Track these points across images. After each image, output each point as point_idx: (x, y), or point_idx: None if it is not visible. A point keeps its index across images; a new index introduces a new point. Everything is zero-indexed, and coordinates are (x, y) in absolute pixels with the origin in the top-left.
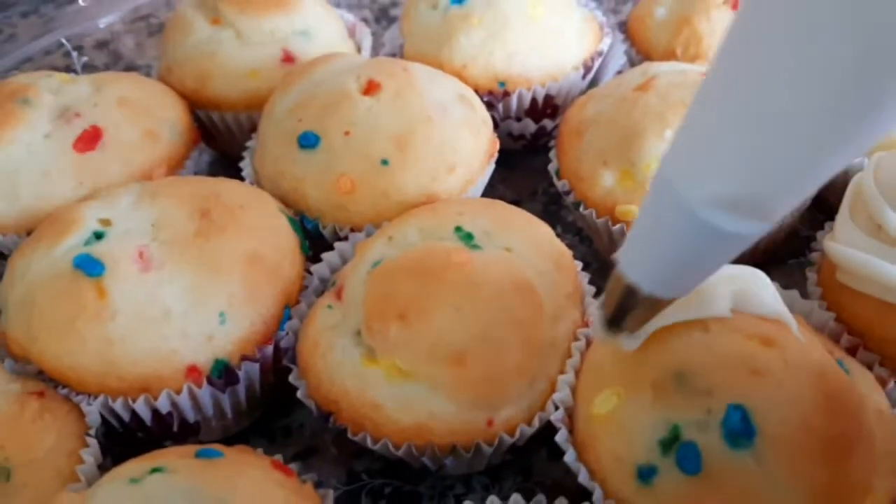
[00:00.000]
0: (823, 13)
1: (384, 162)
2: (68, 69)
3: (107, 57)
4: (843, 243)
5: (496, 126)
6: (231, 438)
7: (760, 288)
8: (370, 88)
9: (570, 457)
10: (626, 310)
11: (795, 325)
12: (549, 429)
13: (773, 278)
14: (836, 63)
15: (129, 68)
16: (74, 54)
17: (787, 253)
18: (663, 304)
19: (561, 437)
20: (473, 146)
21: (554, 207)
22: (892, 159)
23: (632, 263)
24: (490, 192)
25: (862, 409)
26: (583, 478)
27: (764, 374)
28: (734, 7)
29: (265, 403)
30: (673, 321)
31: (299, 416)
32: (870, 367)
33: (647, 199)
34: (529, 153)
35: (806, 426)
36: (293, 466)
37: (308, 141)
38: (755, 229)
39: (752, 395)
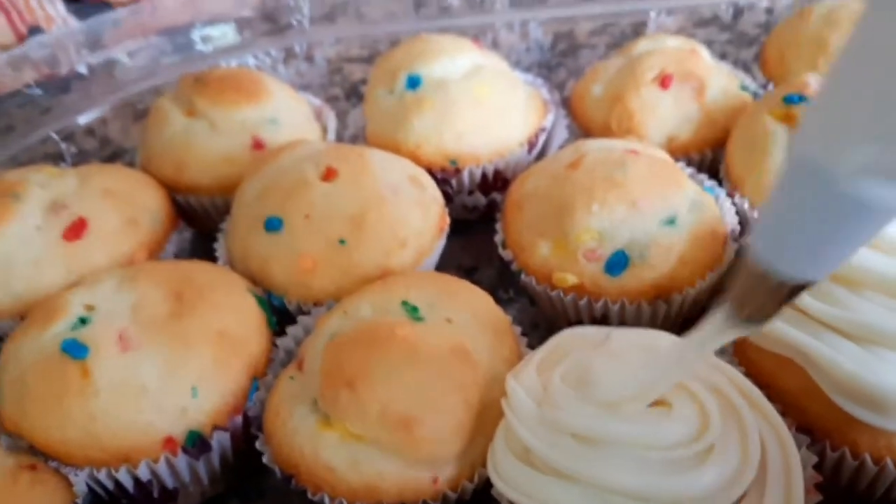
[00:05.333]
0: None
1: (342, 241)
2: (60, 156)
3: (96, 142)
4: None
5: (451, 200)
6: (209, 501)
7: None
8: (328, 175)
9: None
10: (756, 299)
11: None
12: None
13: None
14: None
15: (117, 152)
16: (63, 146)
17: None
18: (797, 288)
19: (495, 491)
20: (423, 222)
21: (508, 272)
22: None
23: (769, 250)
24: (449, 258)
25: None
26: None
27: None
28: (662, 86)
29: (239, 468)
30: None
31: (271, 479)
32: None
33: (782, 184)
34: (485, 222)
35: None
36: None
37: (272, 225)
38: None
39: None
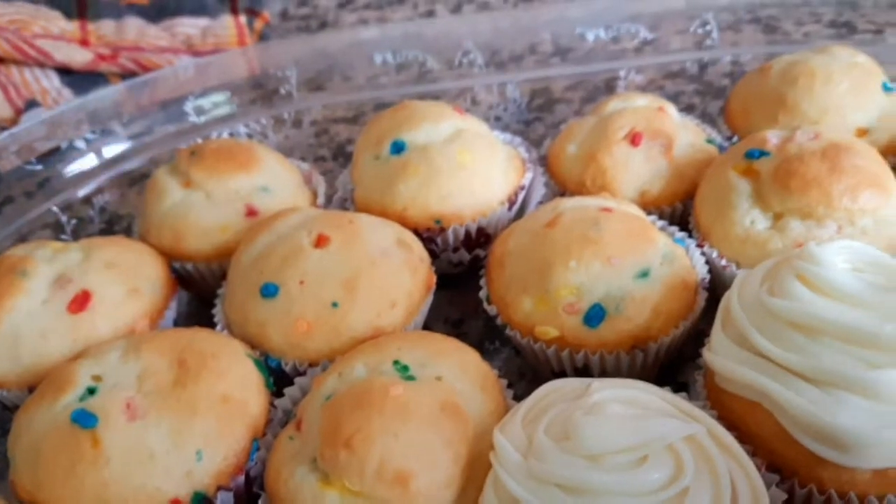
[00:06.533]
0: None
1: (335, 304)
2: (60, 225)
3: (93, 211)
4: (717, 353)
5: (437, 256)
6: None
7: None
8: (320, 241)
9: None
10: None
11: None
12: None
13: (678, 377)
14: None
15: (112, 218)
16: (63, 218)
17: (692, 352)
18: None
19: None
20: (412, 283)
21: (493, 324)
22: (750, 280)
23: None
24: (437, 312)
25: None
26: None
27: None
28: (633, 143)
29: None
30: None
31: None
32: None
33: None
34: (471, 277)
35: None
36: None
37: (269, 291)
38: None
39: None
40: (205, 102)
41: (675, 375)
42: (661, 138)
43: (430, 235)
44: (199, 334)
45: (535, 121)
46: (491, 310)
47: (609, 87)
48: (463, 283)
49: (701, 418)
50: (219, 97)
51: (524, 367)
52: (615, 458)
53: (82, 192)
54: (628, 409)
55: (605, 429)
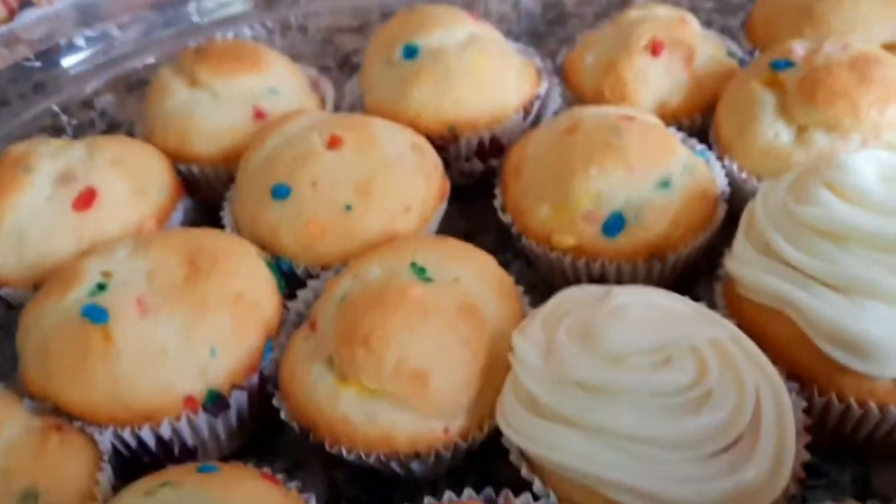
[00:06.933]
0: None
1: (348, 207)
2: (57, 129)
3: (92, 114)
4: (739, 261)
5: (448, 166)
6: (226, 458)
7: None
8: (333, 143)
9: (513, 456)
10: None
11: None
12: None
13: (693, 291)
14: None
15: (112, 123)
16: (65, 118)
17: (707, 266)
18: None
19: (505, 439)
20: (426, 189)
21: (504, 236)
22: (776, 188)
23: None
24: (447, 224)
25: None
26: (524, 472)
27: None
28: (654, 53)
29: (253, 426)
30: None
31: (284, 436)
32: None
33: None
34: (481, 189)
35: None
36: (280, 477)
37: (280, 192)
38: None
39: None
40: (210, 2)
41: (689, 289)
42: (681, 49)
43: (442, 143)
44: (208, 234)
45: (547, 35)
46: (506, 218)
47: (623, 3)
48: (473, 195)
49: (724, 323)
50: None
51: (536, 279)
52: (637, 359)
53: (80, 95)
54: (651, 312)
55: (628, 330)
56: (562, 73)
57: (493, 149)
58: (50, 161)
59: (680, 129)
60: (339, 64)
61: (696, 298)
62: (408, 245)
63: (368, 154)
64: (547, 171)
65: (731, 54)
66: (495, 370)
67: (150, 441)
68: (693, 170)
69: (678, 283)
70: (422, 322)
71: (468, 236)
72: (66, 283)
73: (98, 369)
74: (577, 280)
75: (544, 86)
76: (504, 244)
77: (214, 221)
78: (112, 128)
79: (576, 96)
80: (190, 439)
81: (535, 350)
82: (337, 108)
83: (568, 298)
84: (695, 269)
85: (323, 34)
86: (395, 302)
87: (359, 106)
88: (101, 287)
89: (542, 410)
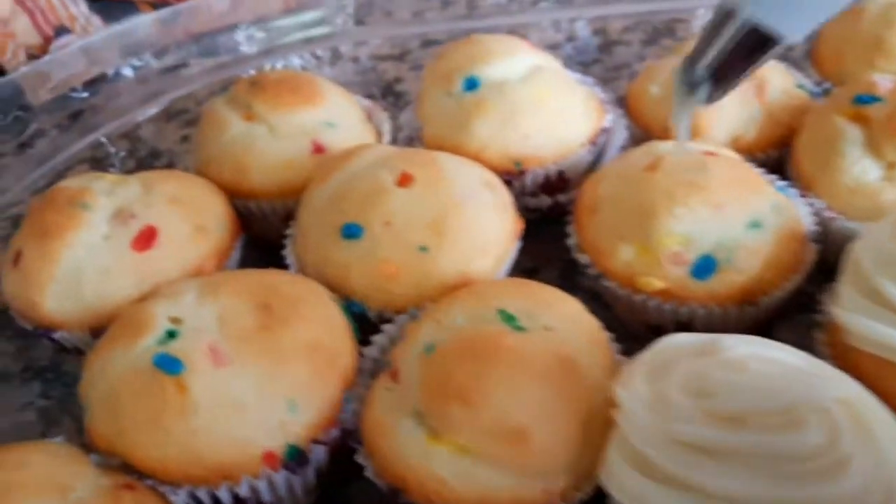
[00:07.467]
0: None
1: (423, 248)
2: (95, 159)
3: (129, 144)
4: (846, 309)
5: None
6: None
7: None
8: (404, 180)
9: None
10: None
11: None
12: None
13: (779, 333)
14: None
15: (154, 153)
16: (107, 148)
17: (793, 308)
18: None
19: (610, 501)
20: (501, 227)
21: (569, 273)
22: (877, 231)
23: None
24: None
25: None
26: None
27: None
28: None
29: (329, 479)
30: None
31: (354, 486)
32: None
33: None
34: (542, 224)
35: None
36: None
37: (351, 231)
38: None
39: None
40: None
41: (772, 335)
42: (753, 80)
43: (506, 178)
44: (279, 276)
45: (592, 63)
46: (583, 258)
47: (669, 30)
48: (535, 231)
49: (848, 381)
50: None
51: (609, 320)
52: (763, 420)
53: (119, 126)
54: (769, 366)
55: (749, 387)
56: (625, 105)
57: (560, 183)
58: (106, 198)
59: (755, 164)
60: (383, 91)
61: None
62: (491, 290)
63: (439, 191)
64: (627, 210)
65: (800, 86)
66: (593, 426)
67: (227, 500)
68: (782, 209)
69: (769, 329)
70: (519, 375)
71: (532, 273)
72: (135, 329)
73: (174, 424)
74: (659, 323)
75: (609, 118)
76: (568, 281)
77: (271, 259)
78: (153, 156)
79: (642, 129)
80: (267, 496)
81: (642, 406)
82: (394, 140)
83: (669, 348)
84: (783, 314)
85: (363, 63)
86: (489, 353)
87: (417, 138)
88: (172, 334)
89: (654, 472)
